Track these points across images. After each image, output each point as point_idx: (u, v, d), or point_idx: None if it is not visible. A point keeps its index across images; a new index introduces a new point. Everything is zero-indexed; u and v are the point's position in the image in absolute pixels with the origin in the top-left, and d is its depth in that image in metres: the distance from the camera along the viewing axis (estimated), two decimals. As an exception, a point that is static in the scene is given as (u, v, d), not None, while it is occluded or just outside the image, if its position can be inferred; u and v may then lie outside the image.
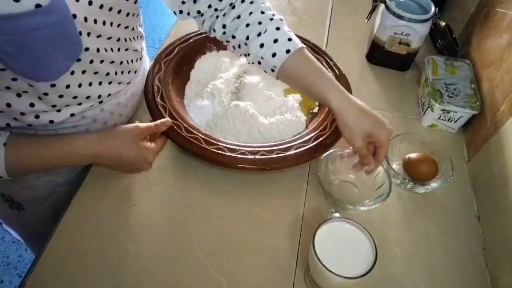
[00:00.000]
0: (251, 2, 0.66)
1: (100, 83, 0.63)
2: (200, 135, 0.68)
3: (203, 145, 0.66)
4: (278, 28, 0.65)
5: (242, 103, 0.74)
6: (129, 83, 0.70)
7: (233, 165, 0.66)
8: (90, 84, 0.61)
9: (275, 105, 0.78)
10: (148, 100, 0.72)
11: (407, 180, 0.70)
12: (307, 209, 0.68)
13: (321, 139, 0.69)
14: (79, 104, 0.62)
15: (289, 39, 0.64)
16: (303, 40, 0.87)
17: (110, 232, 0.63)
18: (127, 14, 0.60)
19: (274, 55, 0.64)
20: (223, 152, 0.66)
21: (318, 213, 0.67)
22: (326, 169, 0.68)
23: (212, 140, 0.67)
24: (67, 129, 0.65)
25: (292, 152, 0.67)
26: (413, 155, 0.73)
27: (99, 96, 0.64)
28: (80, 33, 0.52)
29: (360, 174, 0.68)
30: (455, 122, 0.81)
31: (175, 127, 0.68)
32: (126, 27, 0.62)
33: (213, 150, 0.66)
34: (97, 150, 0.60)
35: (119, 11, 0.58)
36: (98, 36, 0.56)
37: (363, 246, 0.53)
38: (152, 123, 0.65)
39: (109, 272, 0.59)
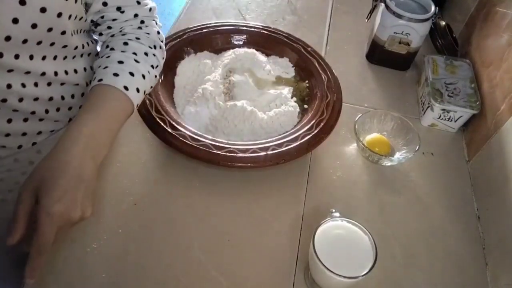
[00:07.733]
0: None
1: (25, 120, 0.54)
2: (207, 141, 0.67)
3: (213, 151, 0.66)
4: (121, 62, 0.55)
5: (238, 102, 0.74)
6: (69, 120, 0.60)
7: (247, 165, 0.66)
8: (10, 120, 0.52)
9: (269, 99, 0.78)
10: (143, 114, 0.69)
11: (374, 153, 0.73)
12: (307, 208, 0.68)
13: (322, 124, 0.72)
14: (3, 146, 0.55)
15: (115, 74, 0.53)
16: (299, 40, 0.87)
17: (110, 232, 0.63)
18: (52, 44, 0.50)
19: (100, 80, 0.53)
20: (235, 154, 0.66)
21: (318, 212, 0.67)
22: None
23: (220, 144, 0.67)
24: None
25: (300, 141, 0.69)
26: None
27: (24, 134, 0.55)
28: None
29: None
30: (455, 121, 0.81)
31: (180, 138, 0.67)
32: (54, 58, 0.52)
33: (225, 154, 0.66)
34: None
35: (39, 43, 0.48)
36: (10, 71, 0.47)
37: (363, 246, 0.53)
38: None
39: (109, 272, 0.59)
